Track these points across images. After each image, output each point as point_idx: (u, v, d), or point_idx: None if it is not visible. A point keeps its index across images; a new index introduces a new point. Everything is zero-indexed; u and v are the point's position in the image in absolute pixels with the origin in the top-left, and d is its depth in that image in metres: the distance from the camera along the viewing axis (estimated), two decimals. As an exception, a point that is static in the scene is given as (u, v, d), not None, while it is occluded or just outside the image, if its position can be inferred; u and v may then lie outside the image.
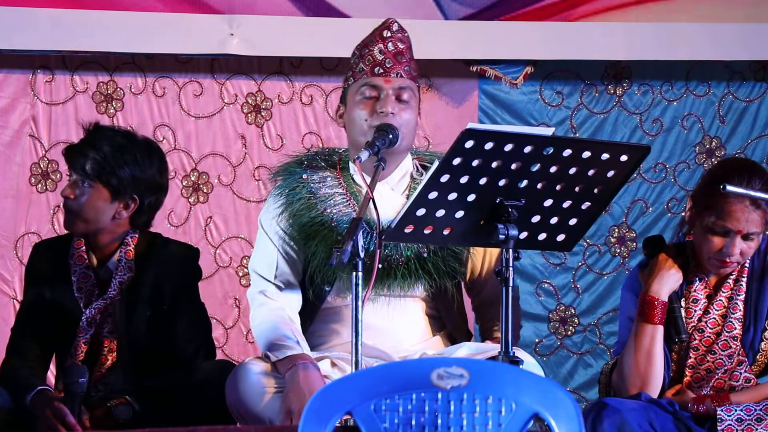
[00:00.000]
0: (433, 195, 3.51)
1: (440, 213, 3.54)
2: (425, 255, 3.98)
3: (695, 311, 4.11)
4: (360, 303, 3.47)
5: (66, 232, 4.37)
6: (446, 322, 4.11)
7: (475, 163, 3.47)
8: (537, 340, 5.87)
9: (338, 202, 4.01)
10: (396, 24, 4.01)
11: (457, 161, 3.46)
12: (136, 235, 4.32)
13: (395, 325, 4.03)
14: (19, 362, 4.24)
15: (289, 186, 4.04)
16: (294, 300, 4.04)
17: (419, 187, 3.51)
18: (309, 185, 4.03)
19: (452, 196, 3.52)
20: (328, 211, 3.99)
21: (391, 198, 3.97)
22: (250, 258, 4.17)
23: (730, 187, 3.77)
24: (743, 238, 3.97)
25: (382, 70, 3.95)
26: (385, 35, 3.98)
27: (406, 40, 4.00)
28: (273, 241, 4.04)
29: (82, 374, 4.01)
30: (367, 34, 4.03)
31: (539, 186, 3.57)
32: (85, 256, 4.28)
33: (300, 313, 4.05)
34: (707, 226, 3.99)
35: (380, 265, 3.93)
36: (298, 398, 3.74)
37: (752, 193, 3.86)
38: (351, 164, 4.04)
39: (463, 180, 3.49)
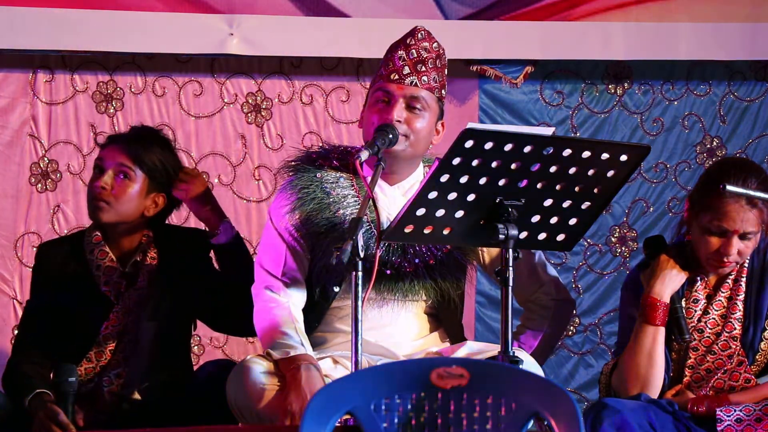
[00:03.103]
0: (433, 195, 3.51)
1: (440, 213, 3.54)
2: (432, 263, 3.99)
3: (695, 311, 4.10)
4: (360, 303, 3.48)
5: (63, 232, 4.38)
6: (443, 323, 4.12)
7: (475, 162, 3.47)
8: (537, 340, 5.87)
9: (350, 203, 4.01)
10: (422, 32, 4.00)
11: (457, 161, 3.46)
12: (152, 231, 4.38)
13: (397, 323, 4.04)
14: (25, 358, 4.26)
15: (301, 183, 4.03)
16: (299, 297, 4.05)
17: (419, 187, 3.51)
18: (323, 185, 4.03)
19: (452, 195, 3.52)
20: (341, 212, 3.99)
21: (402, 203, 3.97)
22: (257, 251, 4.18)
23: (730, 187, 3.76)
24: (740, 237, 3.97)
25: (397, 77, 3.95)
26: (408, 42, 3.98)
27: (433, 49, 3.98)
28: (282, 236, 4.04)
29: (71, 373, 4.02)
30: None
31: (539, 186, 3.58)
32: (107, 250, 4.30)
33: (307, 312, 4.05)
34: (704, 226, 3.99)
35: (388, 271, 3.95)
36: (298, 398, 3.74)
37: (751, 192, 3.86)
38: (364, 165, 4.03)
39: (463, 180, 3.49)
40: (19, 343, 4.36)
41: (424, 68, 3.96)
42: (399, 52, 3.98)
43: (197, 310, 4.37)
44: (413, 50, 3.97)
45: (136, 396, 4.28)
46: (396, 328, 4.04)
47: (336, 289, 4.01)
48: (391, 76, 3.96)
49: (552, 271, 4.24)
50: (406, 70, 3.96)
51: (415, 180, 4.06)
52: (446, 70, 4.05)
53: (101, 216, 4.28)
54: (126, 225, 4.31)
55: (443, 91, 4.02)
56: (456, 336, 4.12)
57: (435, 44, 4.00)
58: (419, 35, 3.99)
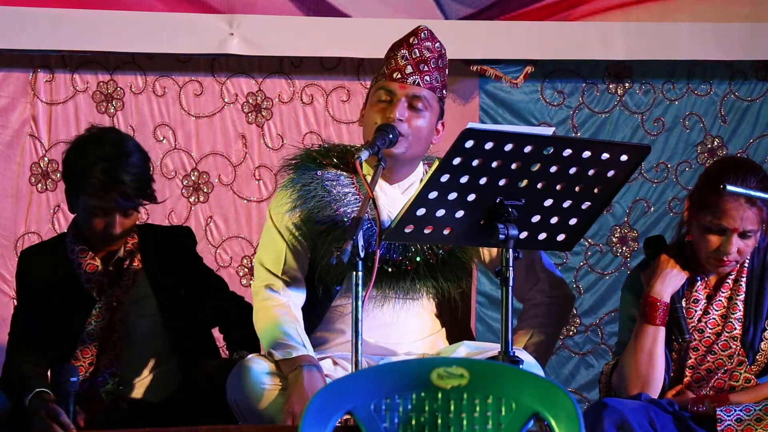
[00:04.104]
0: (433, 195, 3.50)
1: (440, 213, 3.54)
2: (432, 262, 3.99)
3: (696, 311, 4.10)
4: (360, 303, 3.48)
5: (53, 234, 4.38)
6: (445, 324, 4.11)
7: (475, 162, 3.47)
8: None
9: (351, 201, 4.01)
10: (425, 32, 4.00)
11: (457, 161, 3.45)
12: (137, 234, 4.39)
13: (399, 323, 4.04)
14: (22, 358, 4.27)
15: (302, 181, 4.03)
16: (299, 297, 4.06)
17: (419, 187, 3.51)
18: (323, 183, 4.03)
19: (452, 195, 3.51)
20: (341, 210, 3.99)
21: (402, 202, 3.97)
22: (257, 249, 4.18)
23: (730, 187, 3.76)
24: (740, 236, 3.98)
25: (399, 76, 3.95)
26: (411, 41, 3.98)
27: (435, 49, 3.99)
28: (282, 234, 4.04)
29: (73, 373, 4.03)
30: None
31: (539, 186, 3.57)
32: (87, 249, 4.31)
33: (308, 312, 4.05)
34: (704, 225, 4.00)
35: (390, 269, 3.95)
36: (300, 400, 3.74)
37: (752, 192, 3.86)
38: (364, 164, 4.03)
39: (463, 180, 3.49)
40: (12, 348, 4.36)
41: (426, 68, 3.96)
42: (402, 51, 3.98)
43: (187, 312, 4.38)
44: (416, 50, 3.97)
45: (134, 395, 4.28)
46: (397, 328, 4.04)
47: (337, 288, 4.01)
48: (394, 75, 3.96)
49: (548, 265, 4.19)
50: (409, 69, 3.96)
51: (414, 179, 4.06)
52: (447, 70, 4.05)
53: (110, 248, 4.32)
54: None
55: (444, 91, 4.03)
56: (458, 338, 4.12)
57: (437, 44, 4.00)
58: (422, 35, 3.99)
